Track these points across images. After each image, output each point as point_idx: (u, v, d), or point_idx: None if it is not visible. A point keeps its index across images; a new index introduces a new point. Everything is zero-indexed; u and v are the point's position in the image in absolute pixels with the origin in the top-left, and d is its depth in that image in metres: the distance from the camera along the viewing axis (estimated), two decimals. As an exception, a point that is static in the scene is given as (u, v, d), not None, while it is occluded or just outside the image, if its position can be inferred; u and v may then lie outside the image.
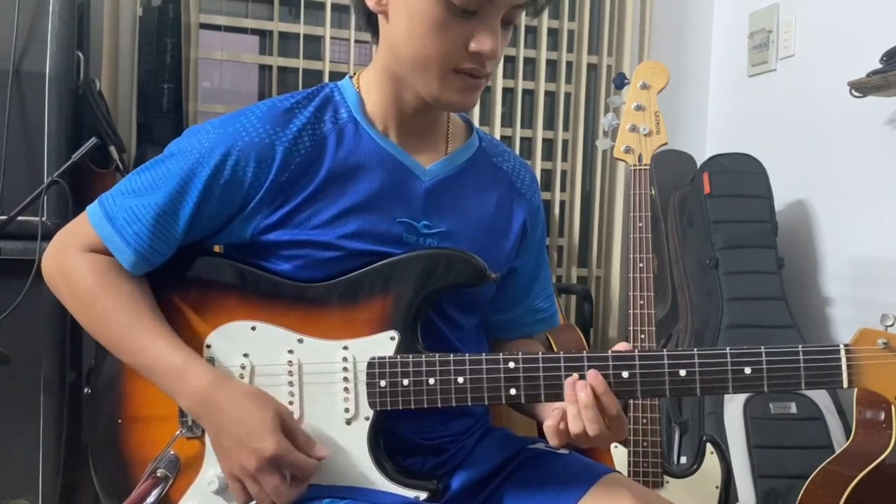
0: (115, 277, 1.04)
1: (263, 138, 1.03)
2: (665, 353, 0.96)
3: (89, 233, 1.05)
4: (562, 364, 0.97)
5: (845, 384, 0.94)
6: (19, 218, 1.65)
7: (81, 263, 1.05)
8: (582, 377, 0.97)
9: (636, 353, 0.97)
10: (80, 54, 1.98)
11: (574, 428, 0.96)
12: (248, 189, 1.03)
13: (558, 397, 0.97)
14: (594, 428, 0.95)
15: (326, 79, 2.56)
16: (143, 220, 1.03)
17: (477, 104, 2.65)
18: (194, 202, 1.03)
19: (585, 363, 0.97)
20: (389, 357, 1.01)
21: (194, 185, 1.02)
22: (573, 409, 0.96)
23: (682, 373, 0.95)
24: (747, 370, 0.94)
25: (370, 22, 1.10)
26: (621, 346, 0.99)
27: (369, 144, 1.08)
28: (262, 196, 1.03)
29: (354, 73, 1.14)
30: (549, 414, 0.99)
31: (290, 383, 1.04)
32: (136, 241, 1.03)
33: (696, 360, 0.95)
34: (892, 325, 0.94)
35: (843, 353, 0.94)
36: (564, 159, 2.82)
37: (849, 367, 0.93)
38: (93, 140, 1.61)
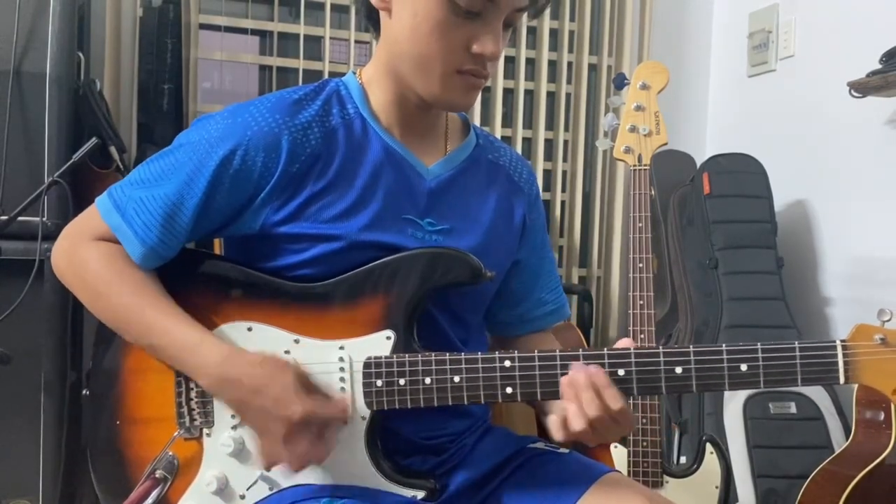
0: (125, 263, 1.04)
1: (273, 128, 1.03)
2: (661, 350, 0.95)
3: (98, 224, 1.05)
4: (558, 362, 0.97)
5: (842, 380, 0.92)
6: (20, 218, 1.65)
7: (91, 252, 1.05)
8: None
9: (632, 350, 0.96)
10: (81, 55, 1.98)
11: (576, 425, 0.95)
12: (258, 180, 1.02)
13: (555, 395, 0.97)
14: (593, 408, 0.93)
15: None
16: (152, 211, 1.02)
17: (477, 104, 2.69)
18: (203, 193, 1.02)
19: (582, 361, 0.96)
20: (386, 357, 1.01)
21: (203, 176, 1.02)
22: (573, 407, 0.95)
23: (679, 370, 0.95)
24: (743, 367, 0.93)
25: (371, 18, 1.10)
26: (623, 343, 0.99)
27: (376, 141, 1.08)
28: (273, 187, 1.03)
29: (356, 70, 1.14)
30: (553, 410, 0.99)
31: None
32: (145, 233, 1.02)
33: (692, 358, 0.95)
34: (888, 321, 0.93)
35: (839, 348, 0.93)
36: (565, 160, 2.82)
37: (845, 363, 0.92)
38: (93, 140, 1.61)
